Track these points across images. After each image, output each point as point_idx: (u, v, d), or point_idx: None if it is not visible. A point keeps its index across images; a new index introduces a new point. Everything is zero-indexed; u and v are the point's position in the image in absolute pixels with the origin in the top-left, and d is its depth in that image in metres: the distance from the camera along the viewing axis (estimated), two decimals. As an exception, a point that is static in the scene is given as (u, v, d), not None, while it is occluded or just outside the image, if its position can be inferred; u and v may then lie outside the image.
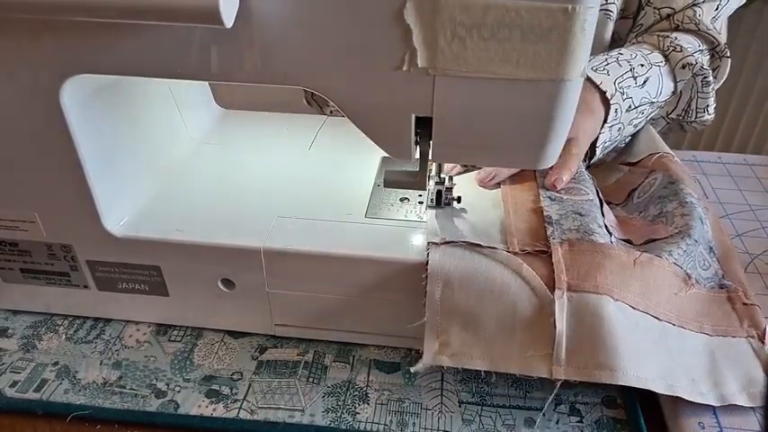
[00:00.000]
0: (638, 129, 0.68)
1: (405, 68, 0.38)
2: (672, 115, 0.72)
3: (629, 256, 0.46)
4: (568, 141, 0.56)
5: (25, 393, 0.48)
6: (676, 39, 0.68)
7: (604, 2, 0.73)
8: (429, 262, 0.45)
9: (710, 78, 0.68)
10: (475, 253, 0.46)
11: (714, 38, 0.69)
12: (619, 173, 0.64)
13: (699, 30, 0.69)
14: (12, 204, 0.49)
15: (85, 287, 0.53)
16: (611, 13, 0.73)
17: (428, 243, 0.47)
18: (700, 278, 0.49)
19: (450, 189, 0.52)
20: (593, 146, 0.62)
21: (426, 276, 0.45)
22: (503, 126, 0.40)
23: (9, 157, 0.46)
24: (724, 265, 0.53)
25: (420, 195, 0.54)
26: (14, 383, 0.49)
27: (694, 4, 0.70)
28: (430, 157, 0.44)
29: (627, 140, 0.69)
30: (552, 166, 0.54)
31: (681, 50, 0.66)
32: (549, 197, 0.52)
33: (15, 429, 0.47)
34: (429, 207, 0.52)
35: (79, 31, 0.39)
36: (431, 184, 0.52)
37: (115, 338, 0.54)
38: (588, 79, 0.61)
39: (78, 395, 0.48)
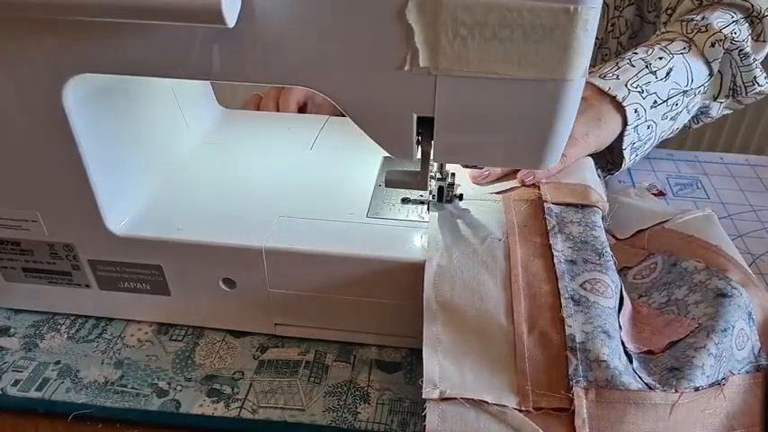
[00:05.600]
0: (680, 121, 0.66)
1: (406, 68, 0.38)
2: (719, 98, 0.69)
3: (665, 401, 0.39)
4: None
5: (27, 392, 0.48)
6: (702, 19, 0.65)
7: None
8: (426, 425, 0.38)
9: (748, 49, 0.65)
10: (481, 414, 0.39)
11: (746, 2, 0.66)
12: None
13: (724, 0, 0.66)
14: (14, 204, 0.49)
15: (87, 286, 0.53)
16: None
17: (425, 399, 0.39)
18: (734, 368, 0.43)
19: (452, 185, 0.52)
20: (620, 151, 0.61)
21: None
22: (504, 126, 0.40)
23: (11, 156, 0.46)
24: (765, 332, 0.46)
25: (421, 195, 0.54)
26: (16, 382, 0.49)
27: None
28: (431, 157, 0.44)
29: (675, 132, 0.67)
30: None
31: (706, 30, 0.64)
32: (572, 297, 0.43)
33: (17, 428, 0.47)
34: (431, 204, 0.52)
35: (81, 31, 0.39)
36: (432, 184, 0.52)
37: (117, 338, 0.54)
38: (597, 88, 0.60)
39: (80, 394, 0.48)
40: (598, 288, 0.44)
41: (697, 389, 0.39)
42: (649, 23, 0.79)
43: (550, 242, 0.47)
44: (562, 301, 0.43)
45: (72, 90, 0.42)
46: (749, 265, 0.58)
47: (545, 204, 0.51)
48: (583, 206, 0.51)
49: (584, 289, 0.44)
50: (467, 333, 0.43)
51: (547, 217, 0.50)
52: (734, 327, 0.43)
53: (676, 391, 0.39)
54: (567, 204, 0.51)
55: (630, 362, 0.41)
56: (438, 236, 0.49)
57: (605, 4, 0.78)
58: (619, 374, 0.39)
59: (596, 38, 0.80)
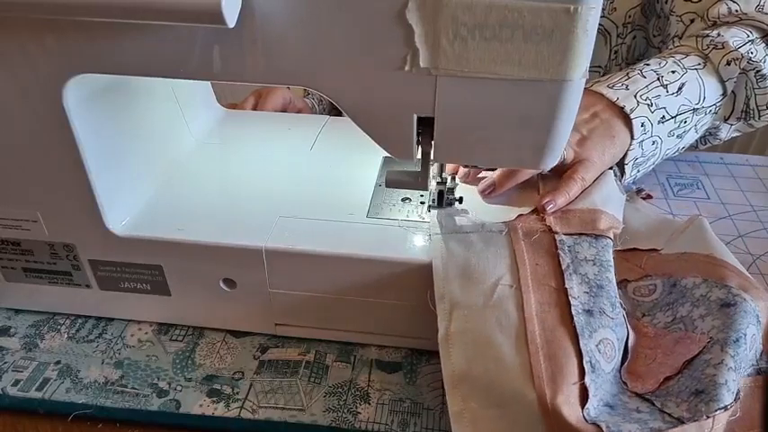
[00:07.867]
0: (686, 140, 0.63)
1: (407, 68, 0.38)
2: (730, 120, 0.66)
3: (701, 431, 0.38)
4: (579, 163, 0.53)
5: (27, 392, 0.48)
6: (718, 35, 0.62)
7: None
8: None
9: (766, 71, 0.62)
10: None
11: (763, 22, 0.63)
12: None
13: (742, 20, 0.64)
14: (14, 204, 0.49)
15: (87, 286, 0.53)
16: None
17: None
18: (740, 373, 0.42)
19: (452, 189, 0.52)
20: (622, 164, 0.58)
21: None
22: (504, 126, 0.40)
23: (11, 156, 0.46)
24: (767, 334, 0.45)
25: (422, 195, 0.54)
26: (16, 382, 0.49)
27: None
28: (432, 158, 0.44)
29: (681, 150, 0.64)
30: (550, 189, 0.52)
31: (723, 47, 0.61)
32: (590, 362, 0.40)
33: (17, 428, 0.47)
34: (431, 207, 0.52)
35: (82, 31, 0.39)
36: (432, 185, 0.52)
37: (117, 338, 0.54)
38: (607, 99, 0.58)
39: (80, 394, 0.48)
40: (607, 351, 0.42)
41: (726, 408, 0.39)
42: (654, 48, 0.76)
43: (566, 286, 0.44)
44: (585, 365, 0.40)
45: (72, 90, 0.42)
46: (749, 266, 0.58)
47: (556, 237, 0.48)
48: (596, 236, 0.49)
49: (599, 351, 0.42)
50: (491, 407, 0.41)
51: (560, 253, 0.47)
52: (746, 335, 0.42)
53: (707, 417, 0.38)
54: (580, 234, 0.49)
55: (653, 404, 0.40)
56: (444, 285, 0.45)
57: (607, 33, 0.76)
58: (645, 423, 0.38)
59: (600, 66, 0.79)
